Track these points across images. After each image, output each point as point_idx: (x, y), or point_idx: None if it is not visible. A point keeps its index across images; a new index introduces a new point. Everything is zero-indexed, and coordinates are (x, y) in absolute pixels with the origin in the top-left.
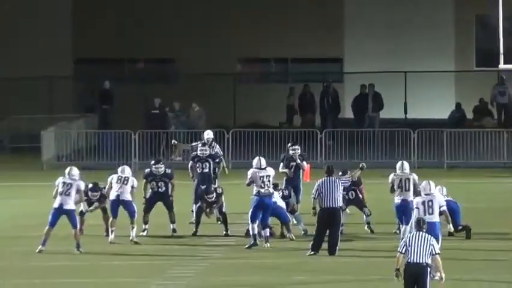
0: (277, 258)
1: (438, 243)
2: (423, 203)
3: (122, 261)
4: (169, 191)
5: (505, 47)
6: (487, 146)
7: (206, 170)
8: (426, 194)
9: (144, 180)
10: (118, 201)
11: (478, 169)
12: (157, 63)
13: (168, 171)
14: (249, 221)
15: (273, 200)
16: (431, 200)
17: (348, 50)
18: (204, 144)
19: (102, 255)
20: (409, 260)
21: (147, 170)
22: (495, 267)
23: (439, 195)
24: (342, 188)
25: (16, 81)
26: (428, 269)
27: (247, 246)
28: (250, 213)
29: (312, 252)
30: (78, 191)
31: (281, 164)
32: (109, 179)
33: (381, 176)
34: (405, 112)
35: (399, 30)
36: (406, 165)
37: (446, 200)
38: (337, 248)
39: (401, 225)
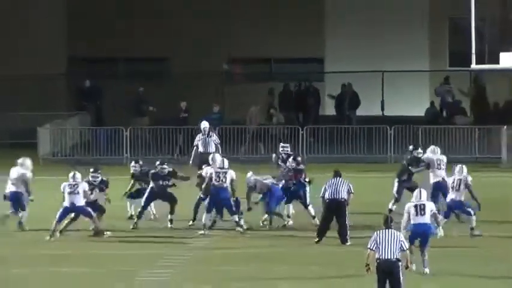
0: (261, 248)
1: (427, 242)
2: (415, 206)
3: (114, 251)
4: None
5: (476, 48)
6: (459, 142)
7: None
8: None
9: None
10: (71, 209)
11: (451, 164)
12: (148, 61)
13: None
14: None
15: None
16: (424, 204)
17: (329, 50)
18: (162, 163)
19: (94, 244)
20: (380, 257)
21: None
22: (469, 258)
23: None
24: (347, 185)
25: (13, 80)
26: (400, 264)
27: (200, 233)
28: (206, 204)
29: (318, 239)
30: (84, 192)
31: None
32: (62, 186)
33: (359, 170)
34: (383, 109)
35: (377, 32)
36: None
37: (438, 181)
38: (347, 237)
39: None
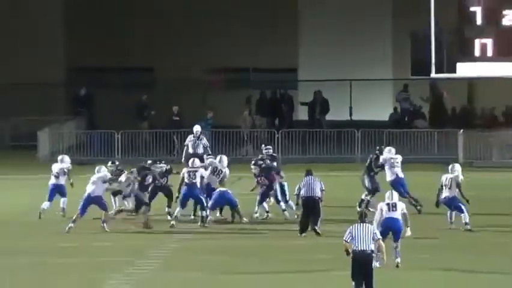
0: (239, 240)
1: (398, 237)
2: (387, 204)
3: (111, 242)
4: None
5: (436, 58)
6: (420, 144)
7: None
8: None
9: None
10: (89, 197)
11: (413, 164)
12: (138, 71)
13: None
14: (178, 206)
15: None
16: (395, 203)
17: (302, 61)
18: (160, 161)
19: (93, 236)
20: (355, 249)
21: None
22: (433, 248)
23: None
24: (319, 183)
25: (16, 87)
26: (373, 256)
27: (171, 224)
28: (179, 200)
29: (304, 234)
30: (104, 181)
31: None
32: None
33: (329, 169)
34: (351, 114)
35: (345, 44)
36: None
37: (393, 179)
38: (318, 223)
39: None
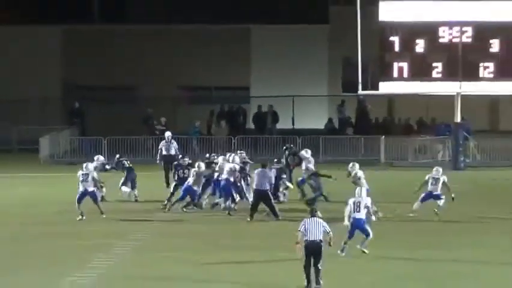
0: (208, 224)
1: (368, 234)
2: (353, 202)
3: (97, 228)
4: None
5: (362, 78)
6: (349, 147)
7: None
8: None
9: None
10: (85, 193)
11: (342, 163)
12: (121, 89)
13: None
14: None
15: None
16: (360, 201)
17: (254, 80)
18: (183, 157)
19: (82, 223)
20: (307, 239)
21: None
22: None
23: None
24: (272, 175)
25: (22, 102)
26: (322, 244)
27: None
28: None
29: (250, 219)
30: (93, 178)
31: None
32: (78, 174)
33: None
34: (293, 124)
35: (289, 67)
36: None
37: (313, 174)
38: (277, 212)
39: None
